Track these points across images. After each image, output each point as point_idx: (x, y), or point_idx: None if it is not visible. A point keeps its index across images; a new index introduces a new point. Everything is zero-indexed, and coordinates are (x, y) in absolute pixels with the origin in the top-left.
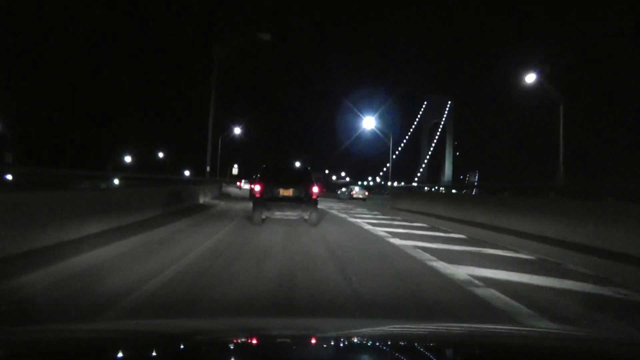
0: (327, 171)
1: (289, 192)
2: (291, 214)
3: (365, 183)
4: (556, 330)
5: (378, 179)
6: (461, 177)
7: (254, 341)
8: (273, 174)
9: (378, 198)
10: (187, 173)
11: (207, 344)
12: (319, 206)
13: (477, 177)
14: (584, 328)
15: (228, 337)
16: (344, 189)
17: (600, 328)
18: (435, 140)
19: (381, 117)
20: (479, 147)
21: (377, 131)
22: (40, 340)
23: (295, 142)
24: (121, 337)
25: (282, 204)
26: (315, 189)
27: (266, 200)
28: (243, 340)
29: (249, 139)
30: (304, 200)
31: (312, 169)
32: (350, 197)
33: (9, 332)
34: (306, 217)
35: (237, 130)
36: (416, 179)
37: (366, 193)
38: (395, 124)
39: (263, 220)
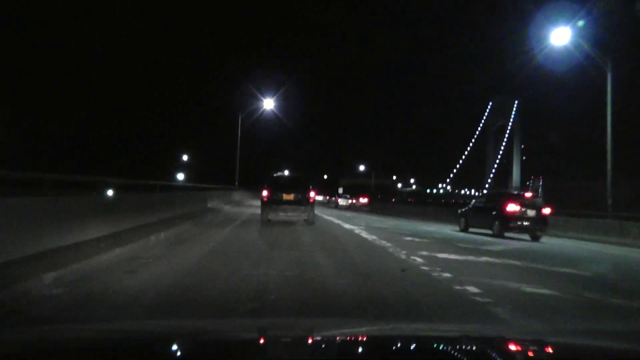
0: (394, 177)
1: (290, 197)
2: (292, 215)
3: (434, 191)
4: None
5: (448, 187)
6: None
7: (261, 341)
8: (278, 182)
9: None
10: (180, 177)
11: (210, 345)
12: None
13: (541, 182)
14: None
15: (232, 337)
16: (340, 200)
17: None
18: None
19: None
20: (546, 150)
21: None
22: (42, 341)
23: (362, 141)
24: (124, 337)
25: (285, 207)
26: (312, 194)
27: (272, 203)
28: (247, 340)
29: (308, 137)
30: (303, 203)
31: (378, 174)
32: (336, 206)
33: (9, 332)
34: (305, 217)
35: (270, 104)
36: (487, 185)
37: (349, 202)
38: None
39: (269, 220)
